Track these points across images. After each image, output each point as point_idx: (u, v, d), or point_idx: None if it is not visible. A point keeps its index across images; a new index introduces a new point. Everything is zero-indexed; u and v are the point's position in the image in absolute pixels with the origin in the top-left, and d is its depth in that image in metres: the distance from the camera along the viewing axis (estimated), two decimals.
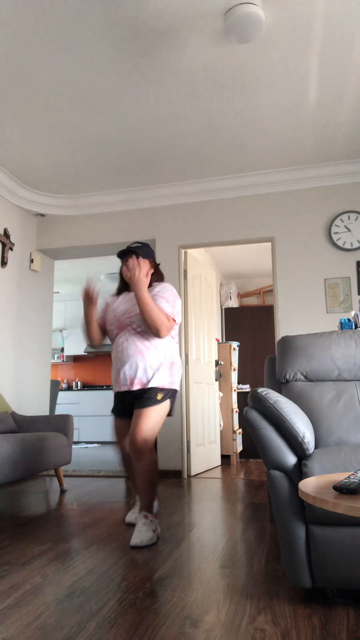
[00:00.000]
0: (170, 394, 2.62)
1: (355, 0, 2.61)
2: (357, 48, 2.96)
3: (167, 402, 2.60)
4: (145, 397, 2.54)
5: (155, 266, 2.79)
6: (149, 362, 2.57)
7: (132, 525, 2.73)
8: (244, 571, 1.99)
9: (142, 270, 2.54)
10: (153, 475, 2.49)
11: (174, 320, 2.61)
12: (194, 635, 1.45)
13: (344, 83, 3.28)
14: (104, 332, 2.83)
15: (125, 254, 2.73)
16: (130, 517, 2.79)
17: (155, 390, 2.56)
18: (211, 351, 5.33)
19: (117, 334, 2.68)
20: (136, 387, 2.56)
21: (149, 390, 2.55)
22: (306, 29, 2.80)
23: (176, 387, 2.66)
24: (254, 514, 3.00)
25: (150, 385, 2.55)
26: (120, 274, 2.78)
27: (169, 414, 2.66)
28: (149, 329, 2.54)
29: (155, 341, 2.61)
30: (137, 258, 2.69)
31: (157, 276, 2.77)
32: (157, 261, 6.03)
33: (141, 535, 2.37)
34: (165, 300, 2.60)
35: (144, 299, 2.49)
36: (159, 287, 2.67)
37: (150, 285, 2.69)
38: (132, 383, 2.57)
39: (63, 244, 5.17)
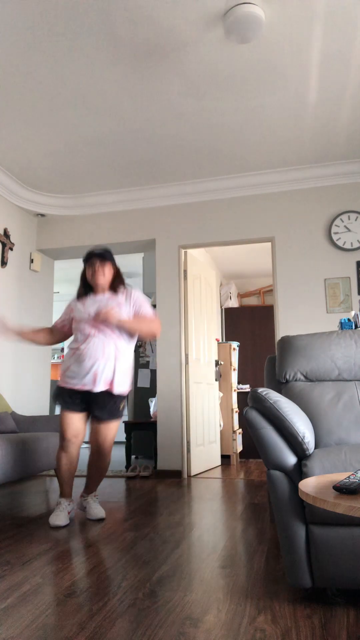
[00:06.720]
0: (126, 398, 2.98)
1: (355, 0, 2.61)
2: (357, 48, 2.95)
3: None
4: (113, 407, 2.83)
5: (118, 270, 2.96)
6: (121, 367, 2.81)
7: (58, 528, 2.71)
8: (244, 571, 1.99)
9: (110, 311, 2.70)
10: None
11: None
12: (194, 635, 1.45)
13: (344, 83, 3.28)
14: (64, 335, 3.03)
15: (90, 257, 2.88)
16: (59, 519, 2.74)
17: (121, 398, 2.85)
18: (211, 351, 5.33)
19: (90, 334, 2.79)
20: (105, 387, 2.77)
21: (116, 399, 2.82)
22: (306, 29, 2.80)
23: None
24: (254, 514, 3.00)
25: (117, 391, 2.81)
26: (84, 277, 2.94)
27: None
28: (147, 338, 2.84)
29: (128, 348, 2.87)
30: (105, 261, 2.86)
31: (120, 280, 2.94)
32: (147, 262, 6.07)
33: (101, 510, 2.88)
34: (148, 305, 2.90)
35: (131, 326, 2.77)
36: (135, 295, 2.89)
37: (116, 289, 2.89)
38: (104, 384, 2.77)
39: (63, 244, 5.17)
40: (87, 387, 2.76)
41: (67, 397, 2.81)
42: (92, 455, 2.92)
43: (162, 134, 3.89)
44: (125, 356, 2.85)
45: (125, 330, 2.80)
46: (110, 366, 2.77)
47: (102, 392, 2.79)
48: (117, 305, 2.83)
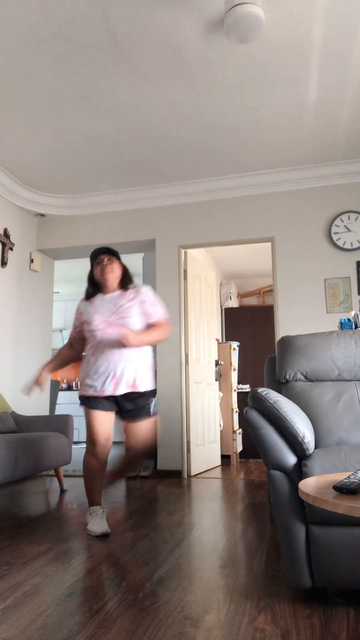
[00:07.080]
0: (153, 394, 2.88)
1: (356, 0, 2.61)
2: (357, 48, 2.95)
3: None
4: (141, 406, 2.74)
5: (126, 268, 2.87)
6: (141, 366, 2.72)
7: (102, 536, 2.57)
8: (244, 571, 1.99)
9: (126, 332, 2.53)
10: None
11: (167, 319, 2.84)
12: (194, 635, 1.45)
13: (344, 83, 3.28)
14: (84, 341, 2.87)
15: (98, 255, 2.80)
16: (102, 525, 2.59)
17: (150, 395, 2.78)
18: (211, 351, 5.33)
19: (104, 337, 2.69)
20: (127, 389, 2.67)
21: (146, 397, 2.75)
22: (306, 29, 2.80)
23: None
24: (254, 514, 3.00)
25: (147, 388, 2.74)
26: (91, 276, 2.85)
27: None
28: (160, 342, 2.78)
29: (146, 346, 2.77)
30: (113, 258, 2.79)
31: (128, 278, 2.86)
32: (147, 262, 6.04)
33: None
34: (158, 307, 2.79)
35: (147, 340, 2.63)
36: (144, 293, 2.77)
37: (126, 288, 2.80)
38: (125, 386, 2.66)
39: (63, 244, 5.17)
40: (108, 393, 2.66)
41: (92, 399, 2.69)
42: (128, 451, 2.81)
43: (162, 134, 3.89)
44: (144, 353, 2.75)
45: (144, 343, 2.64)
46: (129, 367, 2.67)
47: (126, 393, 2.68)
48: (127, 301, 2.73)
